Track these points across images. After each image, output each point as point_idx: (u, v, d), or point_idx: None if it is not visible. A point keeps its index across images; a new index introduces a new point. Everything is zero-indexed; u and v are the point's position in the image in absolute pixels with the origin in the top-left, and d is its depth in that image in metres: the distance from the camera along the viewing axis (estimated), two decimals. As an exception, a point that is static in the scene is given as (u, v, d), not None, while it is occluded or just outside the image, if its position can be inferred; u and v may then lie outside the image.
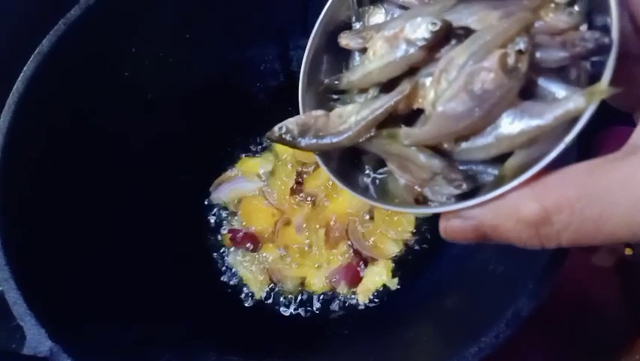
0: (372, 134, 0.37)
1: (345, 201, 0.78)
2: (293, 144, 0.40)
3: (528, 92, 0.33)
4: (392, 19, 0.40)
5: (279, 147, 0.86)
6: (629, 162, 0.28)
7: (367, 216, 0.78)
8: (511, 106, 0.32)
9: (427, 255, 0.69)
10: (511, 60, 0.31)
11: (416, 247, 0.77)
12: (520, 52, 0.31)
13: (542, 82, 0.33)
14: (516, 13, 0.33)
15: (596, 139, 0.78)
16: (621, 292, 0.73)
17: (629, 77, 0.33)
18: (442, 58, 0.34)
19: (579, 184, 0.28)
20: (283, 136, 0.40)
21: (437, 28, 0.34)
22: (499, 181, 0.32)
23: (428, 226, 0.75)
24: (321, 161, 0.41)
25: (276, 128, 0.41)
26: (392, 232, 0.77)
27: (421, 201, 0.37)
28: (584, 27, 0.33)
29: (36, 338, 0.49)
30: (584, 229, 0.28)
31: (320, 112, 0.40)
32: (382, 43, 0.37)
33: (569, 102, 0.30)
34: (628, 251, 0.75)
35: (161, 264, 0.71)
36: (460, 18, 0.35)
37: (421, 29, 0.34)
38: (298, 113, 0.73)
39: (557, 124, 0.31)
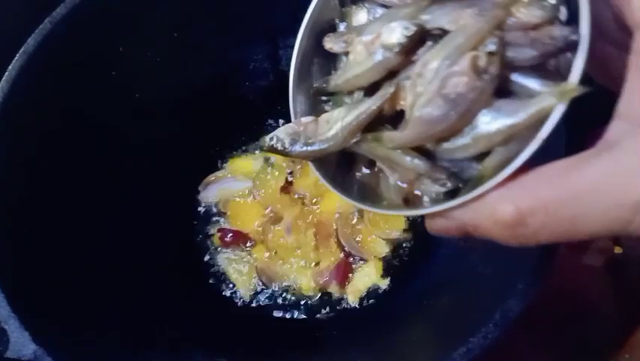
0: (358, 138, 0.38)
1: (334, 201, 0.78)
2: (285, 153, 0.41)
3: (504, 90, 0.33)
4: (371, 22, 0.40)
5: (268, 147, 0.85)
6: (602, 160, 0.28)
7: (357, 216, 0.78)
8: (487, 106, 0.32)
9: (418, 255, 0.69)
10: (482, 62, 0.31)
11: (406, 247, 0.76)
12: (491, 53, 0.31)
13: (517, 78, 0.33)
14: (489, 10, 0.32)
15: (587, 137, 0.78)
16: (612, 290, 0.73)
17: (605, 57, 0.33)
18: (418, 61, 0.34)
19: (553, 185, 0.28)
20: (274, 146, 0.41)
21: (411, 33, 0.34)
22: (479, 180, 0.32)
23: (418, 226, 0.75)
24: (313, 167, 0.42)
25: (267, 139, 0.41)
26: (382, 231, 0.77)
27: (411, 200, 0.38)
28: (563, 14, 0.32)
29: (20, 341, 0.49)
30: (560, 229, 0.28)
31: (309, 118, 0.41)
32: (361, 49, 0.37)
33: (541, 101, 0.31)
34: (618, 250, 0.75)
35: (148, 265, 0.70)
36: (434, 19, 0.35)
37: (395, 34, 0.34)
38: (288, 111, 0.73)
39: (531, 122, 0.31)
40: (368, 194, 0.41)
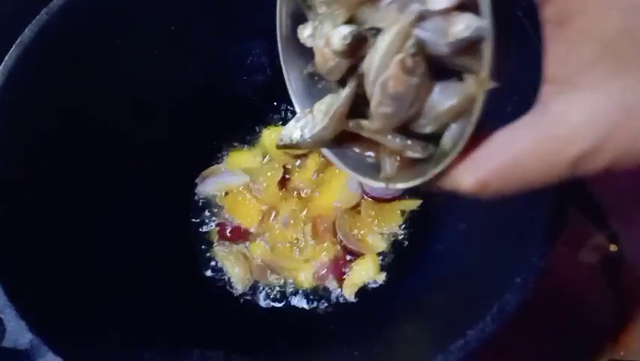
0: (344, 125, 0.41)
1: (332, 195, 0.78)
2: (297, 147, 0.43)
3: (446, 70, 0.36)
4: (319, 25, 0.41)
5: (265, 141, 0.85)
6: (537, 126, 0.31)
7: (355, 211, 0.78)
8: (430, 92, 0.36)
9: (415, 250, 0.69)
10: (409, 63, 0.34)
11: (404, 243, 0.76)
12: (413, 54, 0.34)
13: (453, 60, 0.35)
14: (408, 4, 0.35)
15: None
16: (606, 288, 0.73)
17: None
18: (363, 64, 0.37)
19: (500, 153, 0.32)
20: (289, 142, 0.43)
21: (348, 41, 0.37)
22: (443, 153, 0.36)
23: (416, 220, 0.75)
24: (325, 152, 0.44)
25: (281, 136, 0.44)
26: (379, 227, 0.77)
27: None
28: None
29: (16, 331, 0.48)
30: (515, 187, 0.33)
31: (307, 110, 0.43)
32: (318, 51, 0.40)
33: (467, 88, 0.34)
34: (613, 247, 0.76)
35: (145, 258, 0.70)
36: (367, 19, 0.38)
37: (335, 40, 0.38)
38: (286, 106, 0.74)
39: (465, 104, 0.34)
40: (369, 171, 0.44)
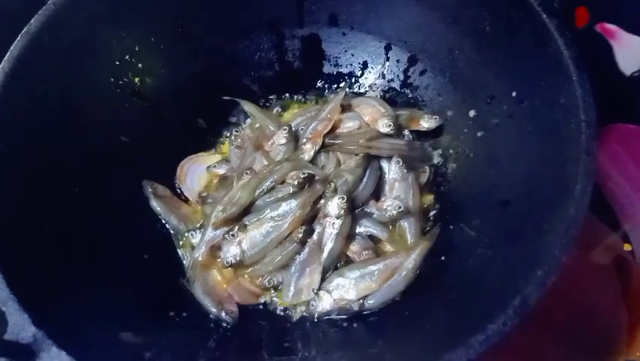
0: None
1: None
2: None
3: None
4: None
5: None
6: None
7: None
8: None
9: (440, 239, 0.68)
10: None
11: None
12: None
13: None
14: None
15: (604, 131, 0.78)
16: (620, 288, 0.72)
17: None
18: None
19: None
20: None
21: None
22: None
23: (436, 215, 0.74)
24: None
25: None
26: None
27: None
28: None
29: (19, 324, 0.47)
30: None
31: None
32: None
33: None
34: (627, 247, 0.74)
35: (144, 253, 0.69)
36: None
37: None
38: (294, 97, 0.74)
39: None
40: None
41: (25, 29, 0.61)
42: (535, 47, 0.59)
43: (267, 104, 0.85)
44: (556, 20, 0.57)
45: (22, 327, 0.47)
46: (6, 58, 0.59)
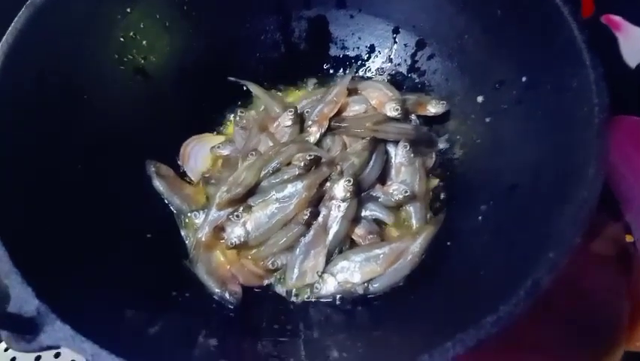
0: None
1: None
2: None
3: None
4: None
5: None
6: None
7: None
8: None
9: (447, 223, 0.68)
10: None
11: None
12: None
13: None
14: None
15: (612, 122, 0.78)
16: (622, 279, 0.72)
17: None
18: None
19: None
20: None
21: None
22: None
23: (447, 195, 0.74)
24: None
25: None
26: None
27: None
28: None
29: (22, 297, 0.46)
30: None
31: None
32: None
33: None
34: (629, 238, 0.74)
35: (148, 229, 0.68)
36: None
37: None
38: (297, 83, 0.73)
39: None
40: None
41: (29, 1, 0.60)
42: (547, 32, 0.59)
43: (272, 85, 0.84)
44: (570, 5, 0.56)
45: (25, 300, 0.45)
46: (9, 30, 0.58)
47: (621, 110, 0.79)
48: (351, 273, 0.65)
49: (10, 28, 0.58)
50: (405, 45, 0.80)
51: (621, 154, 0.77)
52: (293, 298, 0.67)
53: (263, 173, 0.68)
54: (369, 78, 0.83)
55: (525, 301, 0.44)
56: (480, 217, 0.63)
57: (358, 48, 0.83)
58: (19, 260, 0.47)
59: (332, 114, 0.75)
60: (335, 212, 0.66)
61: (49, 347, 0.45)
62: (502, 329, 0.43)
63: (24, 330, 0.45)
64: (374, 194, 0.71)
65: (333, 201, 0.67)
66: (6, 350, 0.70)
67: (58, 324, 0.45)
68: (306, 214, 0.65)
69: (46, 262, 0.50)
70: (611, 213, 0.74)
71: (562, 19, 0.56)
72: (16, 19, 0.59)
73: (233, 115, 0.82)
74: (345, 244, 0.68)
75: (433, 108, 0.76)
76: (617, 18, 0.95)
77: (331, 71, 0.85)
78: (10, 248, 0.48)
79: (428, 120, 0.78)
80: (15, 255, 0.47)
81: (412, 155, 0.71)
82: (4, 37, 0.58)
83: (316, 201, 0.68)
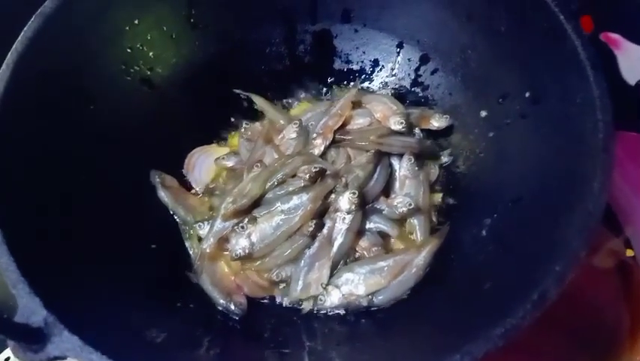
0: None
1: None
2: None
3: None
4: None
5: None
6: None
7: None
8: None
9: (453, 237, 0.68)
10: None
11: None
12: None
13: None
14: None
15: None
16: (622, 293, 0.72)
17: None
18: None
19: None
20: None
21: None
22: None
23: (449, 210, 0.74)
24: None
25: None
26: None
27: None
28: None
29: (29, 307, 0.46)
30: None
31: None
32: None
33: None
34: (629, 253, 0.75)
35: (153, 240, 0.68)
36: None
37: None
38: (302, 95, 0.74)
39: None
40: None
41: (39, 10, 0.60)
42: (551, 48, 0.59)
43: (276, 98, 0.85)
44: (574, 21, 0.57)
45: (32, 310, 0.45)
46: (19, 39, 0.58)
47: (621, 126, 0.80)
48: (355, 285, 0.65)
49: (20, 37, 0.59)
50: (409, 60, 0.81)
51: (621, 170, 0.78)
52: (297, 310, 0.67)
53: (268, 185, 0.69)
54: (373, 92, 0.84)
55: (532, 313, 0.44)
56: (484, 230, 0.64)
57: (362, 62, 0.84)
58: (26, 270, 0.47)
59: (336, 127, 0.75)
60: (340, 224, 0.67)
61: (57, 358, 0.45)
62: (509, 341, 0.44)
63: (31, 340, 0.45)
64: (378, 206, 0.71)
65: (338, 214, 0.67)
66: (7, 359, 0.69)
67: (65, 334, 0.45)
68: (310, 226, 0.65)
69: (54, 273, 0.50)
70: (611, 228, 0.75)
71: (565, 35, 0.57)
72: (25, 28, 0.59)
73: (238, 127, 0.82)
74: (349, 256, 0.68)
75: (437, 122, 0.77)
76: (616, 36, 0.96)
77: (335, 85, 0.85)
78: (18, 258, 0.48)
79: (432, 134, 0.79)
80: (22, 265, 0.47)
81: (416, 168, 0.72)
82: (14, 46, 0.58)
83: (321, 213, 0.68)
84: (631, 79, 0.93)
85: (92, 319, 0.49)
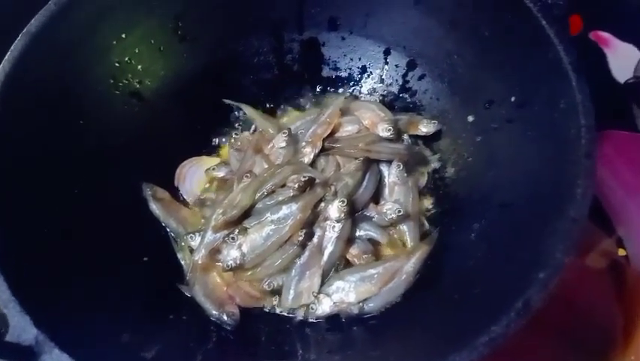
0: None
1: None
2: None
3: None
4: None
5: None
6: None
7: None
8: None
9: (438, 247, 0.68)
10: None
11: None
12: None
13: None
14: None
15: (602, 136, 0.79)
16: (615, 293, 0.73)
17: None
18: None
19: None
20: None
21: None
22: None
23: (435, 218, 0.75)
24: None
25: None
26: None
27: None
28: None
29: (20, 326, 0.46)
30: None
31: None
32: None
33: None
34: (621, 252, 0.75)
35: (144, 252, 0.69)
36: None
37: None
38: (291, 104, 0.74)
39: None
40: None
41: (25, 29, 0.61)
42: (534, 53, 0.60)
43: (266, 107, 0.85)
44: (556, 26, 0.58)
45: (23, 329, 0.46)
46: (6, 58, 0.59)
47: (610, 124, 0.80)
48: (346, 293, 0.65)
49: (7, 56, 0.59)
50: (396, 66, 0.81)
51: (612, 168, 0.78)
52: (290, 319, 0.67)
53: (258, 195, 0.69)
54: (361, 98, 0.84)
55: (517, 321, 0.45)
56: (473, 235, 0.64)
57: (350, 69, 0.84)
58: (17, 289, 0.48)
59: (325, 135, 0.76)
60: (330, 233, 0.67)
61: (47, 375, 0.46)
62: (494, 349, 0.44)
63: (23, 358, 0.45)
64: (368, 214, 0.71)
65: (328, 222, 0.67)
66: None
67: (56, 352, 0.45)
68: (301, 235, 0.66)
69: (44, 290, 0.51)
70: (603, 227, 0.75)
71: (548, 40, 0.57)
72: (12, 47, 0.60)
73: (227, 137, 0.82)
74: (340, 264, 0.69)
75: (425, 128, 0.77)
76: (606, 34, 0.97)
77: (324, 92, 0.86)
78: (9, 276, 0.48)
79: (420, 140, 0.79)
80: (13, 283, 0.48)
81: (405, 174, 0.72)
82: (2, 65, 0.59)
83: (311, 222, 0.69)
84: (620, 77, 0.93)
85: (83, 335, 0.50)
